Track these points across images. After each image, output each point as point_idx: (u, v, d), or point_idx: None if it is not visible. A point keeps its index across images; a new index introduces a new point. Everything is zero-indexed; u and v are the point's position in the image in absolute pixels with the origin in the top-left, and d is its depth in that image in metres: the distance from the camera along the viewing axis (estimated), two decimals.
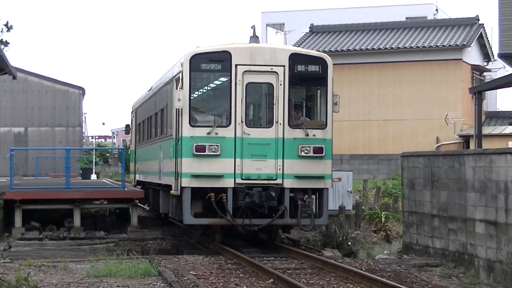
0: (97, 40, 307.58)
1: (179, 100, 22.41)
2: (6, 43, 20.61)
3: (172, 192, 24.18)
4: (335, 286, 17.92)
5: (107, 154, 79.93)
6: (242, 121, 22.74)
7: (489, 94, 53.19)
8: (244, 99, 22.79)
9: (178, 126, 23.50)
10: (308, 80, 24.47)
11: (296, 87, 23.81)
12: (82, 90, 67.81)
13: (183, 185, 22.62)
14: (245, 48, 23.37)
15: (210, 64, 23.34)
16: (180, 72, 23.22)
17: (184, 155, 22.69)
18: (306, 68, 23.42)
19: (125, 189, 33.55)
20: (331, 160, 23.60)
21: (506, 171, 18.76)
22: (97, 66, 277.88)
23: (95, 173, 59.17)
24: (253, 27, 24.30)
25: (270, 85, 23.01)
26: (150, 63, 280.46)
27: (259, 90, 23.63)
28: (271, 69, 22.85)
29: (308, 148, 22.88)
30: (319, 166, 23.10)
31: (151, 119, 32.31)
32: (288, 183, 22.80)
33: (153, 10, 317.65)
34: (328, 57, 24.04)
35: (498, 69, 50.44)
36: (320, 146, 23.00)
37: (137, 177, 38.28)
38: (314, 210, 23.18)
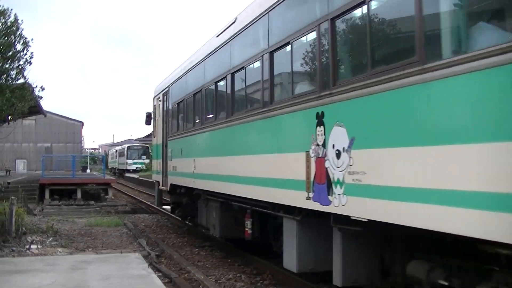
0: (89, 81, 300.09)
1: None
2: (40, 97, 20.66)
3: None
4: None
5: (95, 158, 79.01)
6: None
7: None
8: None
9: None
10: None
11: None
12: (81, 123, 70.02)
13: None
14: None
15: None
16: None
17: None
18: None
19: (105, 177, 33.72)
20: None
21: None
22: (91, 102, 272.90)
23: (89, 169, 59.31)
24: None
25: None
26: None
27: None
28: None
29: None
30: None
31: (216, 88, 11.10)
32: None
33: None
34: None
35: None
36: None
37: (172, 179, 15.28)
38: None
